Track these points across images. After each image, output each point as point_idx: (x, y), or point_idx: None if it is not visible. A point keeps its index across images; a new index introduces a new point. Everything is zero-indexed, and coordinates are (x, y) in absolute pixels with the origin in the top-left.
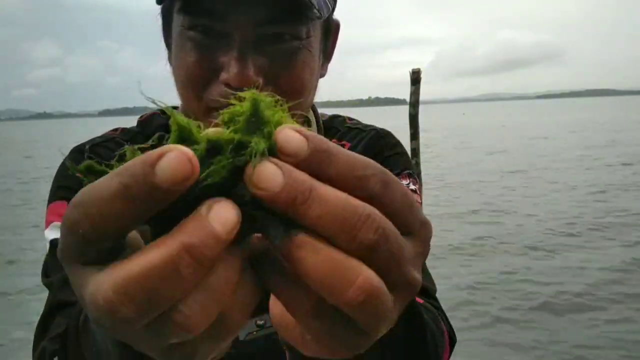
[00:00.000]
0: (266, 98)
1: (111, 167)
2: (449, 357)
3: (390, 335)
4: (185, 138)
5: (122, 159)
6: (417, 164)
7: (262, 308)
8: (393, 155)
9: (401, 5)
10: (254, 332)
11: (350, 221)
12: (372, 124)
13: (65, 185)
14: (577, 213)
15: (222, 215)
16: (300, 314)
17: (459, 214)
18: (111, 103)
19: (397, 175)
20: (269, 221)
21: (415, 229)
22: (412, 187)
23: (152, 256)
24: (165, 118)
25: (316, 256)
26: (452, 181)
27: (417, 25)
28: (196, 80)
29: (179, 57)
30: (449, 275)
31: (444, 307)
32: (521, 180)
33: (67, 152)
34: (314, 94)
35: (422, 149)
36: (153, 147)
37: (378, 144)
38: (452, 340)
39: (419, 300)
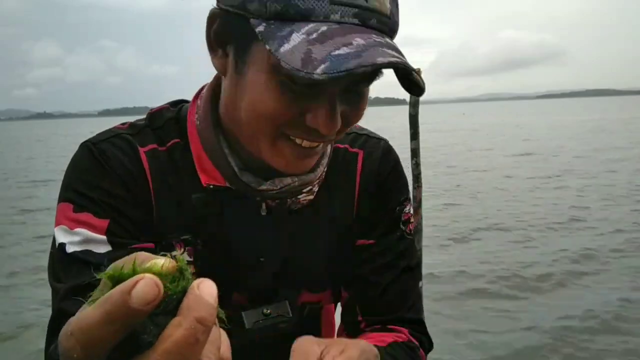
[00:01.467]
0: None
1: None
2: None
3: None
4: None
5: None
6: (417, 164)
7: (269, 300)
8: (399, 179)
9: (402, 5)
10: (260, 321)
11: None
12: (369, 125)
13: (73, 187)
14: None
15: (210, 289)
16: None
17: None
18: (111, 103)
19: (405, 200)
20: None
21: None
22: (410, 210)
23: (177, 333)
24: (173, 111)
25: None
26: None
27: (419, 25)
28: (280, 119)
29: (260, 92)
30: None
31: None
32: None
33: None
34: None
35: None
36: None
37: (386, 166)
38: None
39: (404, 338)
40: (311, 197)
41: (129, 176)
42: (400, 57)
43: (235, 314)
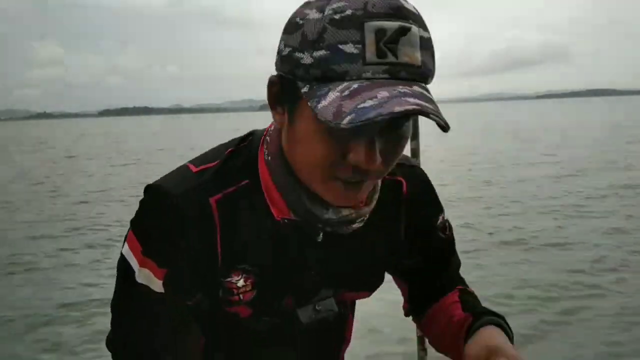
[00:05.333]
0: None
1: None
2: None
3: None
4: None
5: None
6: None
7: (316, 297)
8: (433, 196)
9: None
10: (313, 316)
11: None
12: None
13: (143, 229)
14: None
15: None
16: None
17: None
18: (111, 103)
19: (440, 212)
20: None
21: None
22: (446, 217)
23: None
24: (247, 150)
25: None
26: None
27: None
28: (326, 163)
29: (308, 140)
30: None
31: None
32: None
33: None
34: None
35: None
36: None
37: (422, 185)
38: None
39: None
40: (361, 224)
41: (196, 230)
42: (421, 102)
43: (288, 313)
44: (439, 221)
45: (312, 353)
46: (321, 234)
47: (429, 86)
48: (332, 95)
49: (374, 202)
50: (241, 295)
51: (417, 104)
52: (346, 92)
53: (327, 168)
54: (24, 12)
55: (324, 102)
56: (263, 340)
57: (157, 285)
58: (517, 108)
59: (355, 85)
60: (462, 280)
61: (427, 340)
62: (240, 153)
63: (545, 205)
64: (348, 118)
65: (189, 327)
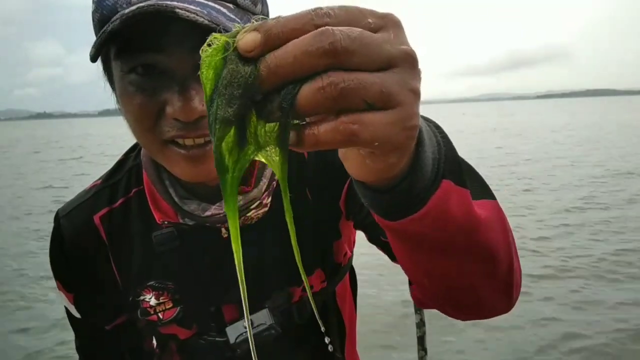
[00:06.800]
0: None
1: None
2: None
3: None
4: None
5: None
6: None
7: (252, 310)
8: None
9: (405, 4)
10: (243, 334)
11: (306, 31)
12: None
13: (50, 256)
14: None
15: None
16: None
17: None
18: (111, 103)
19: None
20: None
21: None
22: None
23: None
24: (132, 157)
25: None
26: None
27: (423, 25)
28: (146, 121)
29: (125, 102)
30: None
31: None
32: None
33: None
34: None
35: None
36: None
37: None
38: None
39: None
40: (265, 209)
41: (81, 251)
42: (173, 3)
43: (226, 327)
44: None
45: None
46: (223, 231)
47: None
48: (108, 28)
49: (265, 182)
50: (160, 315)
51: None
52: (115, 18)
53: (150, 128)
54: (24, 12)
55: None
56: None
57: (74, 310)
58: (520, 108)
59: (126, 11)
60: None
61: (426, 341)
62: (127, 161)
63: None
64: (109, 25)
65: (109, 353)
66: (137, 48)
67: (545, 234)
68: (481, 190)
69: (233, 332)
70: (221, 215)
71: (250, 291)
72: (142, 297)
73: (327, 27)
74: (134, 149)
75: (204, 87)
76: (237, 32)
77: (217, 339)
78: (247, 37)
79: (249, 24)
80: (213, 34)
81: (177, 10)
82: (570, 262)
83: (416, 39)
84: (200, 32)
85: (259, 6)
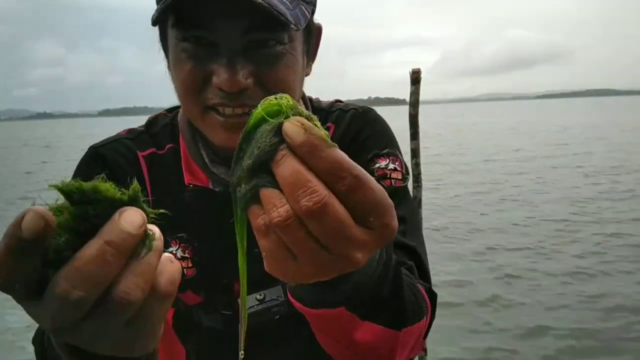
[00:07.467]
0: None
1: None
2: (433, 309)
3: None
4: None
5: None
6: (417, 164)
7: (261, 284)
8: (372, 135)
9: (406, 5)
10: (254, 307)
11: (298, 186)
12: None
13: None
14: None
15: (131, 217)
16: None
17: None
18: (111, 103)
19: (376, 156)
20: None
21: (375, 226)
22: (391, 165)
23: (86, 252)
24: (169, 117)
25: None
26: None
27: (423, 25)
28: (192, 87)
29: (176, 66)
30: None
31: None
32: None
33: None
34: (299, 92)
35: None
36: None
37: (357, 123)
38: (432, 295)
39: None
40: None
41: (128, 179)
42: None
43: (235, 303)
44: (376, 165)
45: (287, 351)
46: None
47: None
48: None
49: None
50: (184, 271)
51: None
52: None
53: (196, 93)
54: (24, 12)
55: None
56: (222, 340)
57: None
58: (521, 108)
59: None
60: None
61: (427, 340)
62: (165, 119)
63: None
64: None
65: None
66: (193, 20)
67: None
68: (388, 321)
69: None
70: None
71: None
72: (170, 249)
73: (321, 193)
74: (171, 110)
75: (250, 119)
76: (299, 110)
77: (222, 312)
78: (295, 130)
79: (307, 111)
80: (281, 94)
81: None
82: None
83: (416, 39)
84: (251, 14)
85: None
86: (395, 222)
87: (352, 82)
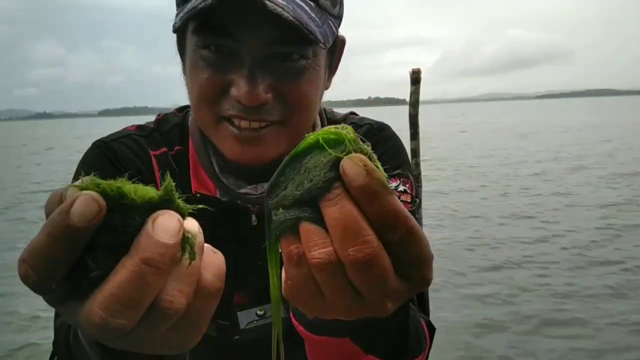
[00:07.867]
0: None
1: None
2: (431, 343)
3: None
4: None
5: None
6: (417, 164)
7: (261, 300)
8: (385, 153)
9: (406, 5)
10: (254, 322)
11: (349, 233)
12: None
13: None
14: None
15: (168, 224)
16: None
17: None
18: (111, 103)
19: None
20: None
21: (413, 278)
22: (401, 187)
23: (122, 274)
24: (179, 117)
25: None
26: None
27: (423, 25)
28: (209, 95)
29: (193, 73)
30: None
31: None
32: None
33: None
34: (319, 108)
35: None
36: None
37: (371, 139)
38: (431, 328)
39: None
40: None
41: (140, 177)
42: (270, 2)
43: (234, 314)
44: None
45: None
46: (253, 217)
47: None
48: (185, 7)
49: None
50: None
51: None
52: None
53: (212, 102)
54: (24, 12)
55: (178, 17)
56: (215, 349)
57: None
58: (521, 108)
59: None
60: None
61: None
62: (175, 118)
63: None
64: (180, 15)
65: None
66: (216, 29)
67: None
68: (390, 356)
69: (245, 318)
70: (253, 196)
71: (267, 281)
72: None
73: (373, 245)
74: (181, 110)
75: (302, 142)
76: (361, 147)
77: (219, 321)
78: (356, 170)
79: (368, 147)
80: (344, 125)
81: (267, 2)
82: None
83: (416, 39)
84: (278, 25)
85: (337, 8)
86: (431, 275)
87: (353, 82)
